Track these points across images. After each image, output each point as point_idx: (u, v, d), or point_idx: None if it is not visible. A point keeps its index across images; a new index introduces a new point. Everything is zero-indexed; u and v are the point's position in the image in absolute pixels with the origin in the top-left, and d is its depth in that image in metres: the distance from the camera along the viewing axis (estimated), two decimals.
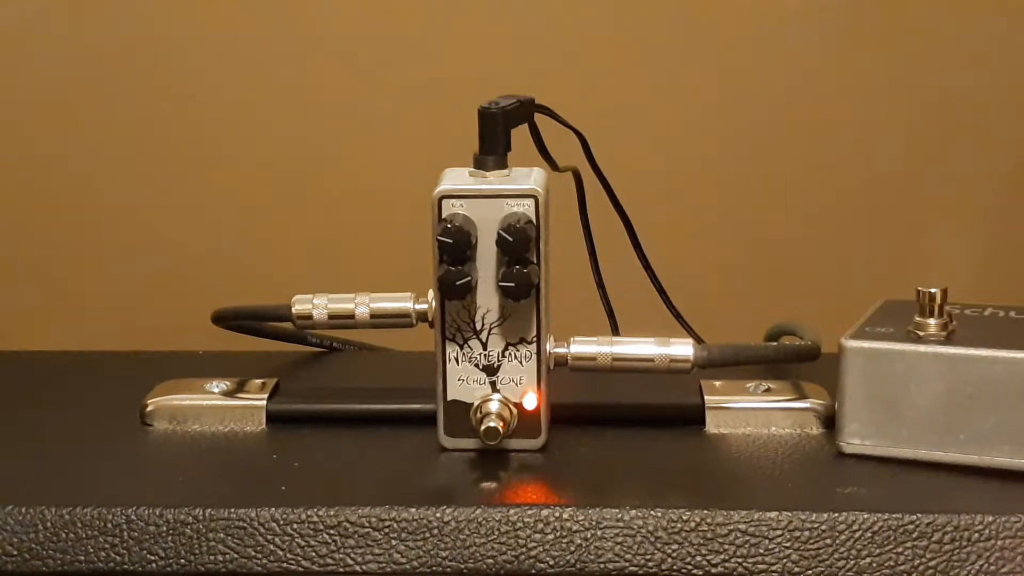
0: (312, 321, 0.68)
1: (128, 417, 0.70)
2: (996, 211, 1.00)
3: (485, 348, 0.65)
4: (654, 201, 0.95)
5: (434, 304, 0.65)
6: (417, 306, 0.66)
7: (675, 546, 0.60)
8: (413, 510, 0.61)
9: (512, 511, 0.61)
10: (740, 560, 0.60)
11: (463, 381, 0.65)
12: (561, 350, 0.66)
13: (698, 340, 0.71)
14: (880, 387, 0.64)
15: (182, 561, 0.60)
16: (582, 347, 0.66)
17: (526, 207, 0.63)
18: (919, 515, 0.60)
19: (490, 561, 0.60)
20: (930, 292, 0.65)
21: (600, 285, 0.74)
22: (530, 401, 0.65)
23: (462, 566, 0.60)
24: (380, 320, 0.67)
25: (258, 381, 0.72)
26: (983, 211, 1.00)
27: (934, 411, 0.63)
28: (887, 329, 0.65)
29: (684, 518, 0.60)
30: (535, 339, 0.65)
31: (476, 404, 0.65)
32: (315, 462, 0.66)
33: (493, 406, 0.65)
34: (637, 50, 0.98)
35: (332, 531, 0.60)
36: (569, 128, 0.70)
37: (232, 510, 0.61)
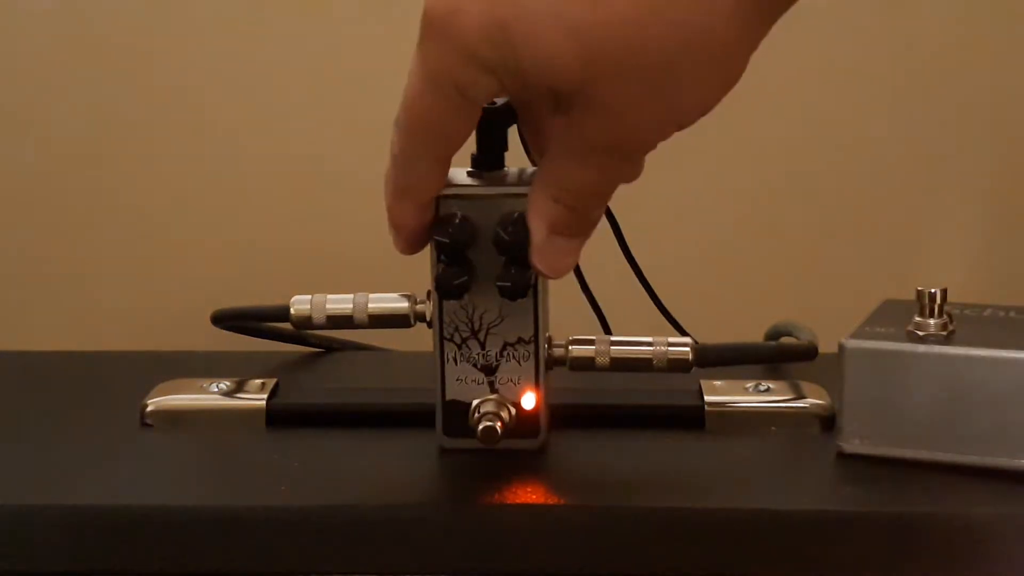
0: (311, 322, 0.68)
1: (128, 417, 0.70)
2: (996, 211, 1.00)
3: (483, 348, 0.65)
4: (653, 201, 0.95)
5: (432, 304, 0.65)
6: (415, 306, 0.66)
7: (675, 546, 0.60)
8: (413, 510, 0.61)
9: (512, 511, 0.61)
10: (739, 560, 0.60)
11: (461, 381, 0.65)
12: (559, 350, 0.66)
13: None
14: (880, 387, 0.64)
15: (182, 561, 0.60)
16: (580, 347, 0.66)
17: (524, 207, 0.63)
18: (919, 515, 0.60)
19: (490, 561, 0.60)
20: (930, 292, 0.65)
21: (584, 287, 0.74)
22: (528, 401, 0.65)
23: (462, 566, 0.60)
24: (378, 320, 0.67)
25: (258, 381, 0.72)
26: (983, 211, 1.00)
27: (934, 411, 0.63)
28: (887, 329, 0.65)
29: (684, 518, 0.60)
30: (533, 339, 0.65)
31: (474, 404, 0.65)
32: (315, 462, 0.66)
33: (491, 406, 0.64)
34: None
35: (332, 531, 0.60)
36: None
37: (232, 510, 0.61)
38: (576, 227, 0.59)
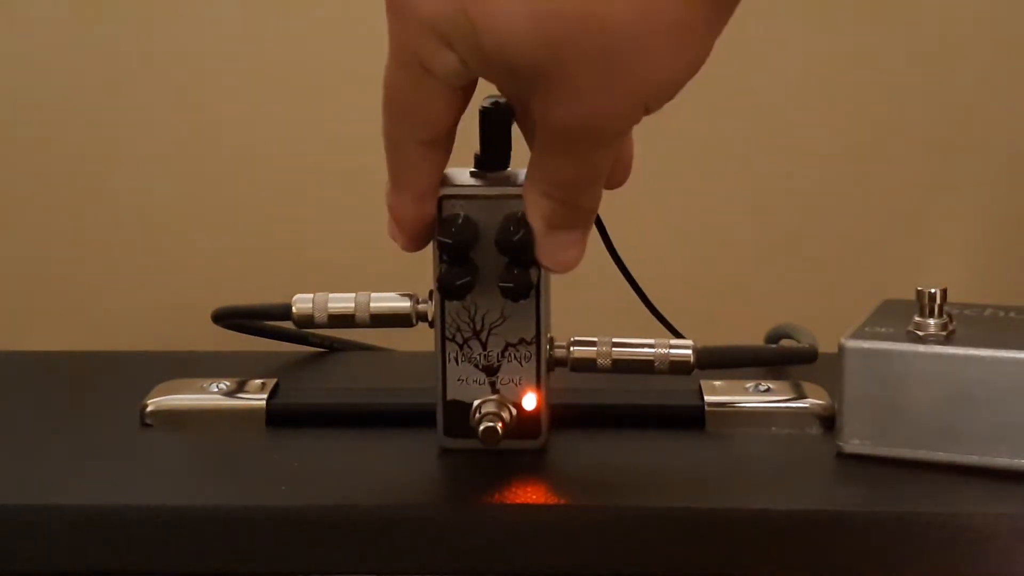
0: (312, 320, 0.68)
1: (128, 417, 0.70)
2: (996, 211, 1.00)
3: (485, 348, 0.65)
4: (652, 202, 0.95)
5: (434, 304, 0.65)
6: (417, 306, 0.66)
7: (675, 546, 0.60)
8: (413, 510, 0.61)
9: (512, 511, 0.61)
10: (740, 560, 0.60)
11: (463, 381, 0.65)
12: (561, 351, 0.66)
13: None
14: (880, 387, 0.64)
15: (182, 561, 0.60)
16: (582, 347, 0.66)
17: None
18: (919, 515, 0.60)
19: (490, 561, 0.60)
20: (930, 292, 0.65)
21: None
22: (529, 401, 0.65)
23: (462, 566, 0.60)
24: (380, 320, 0.67)
25: (258, 381, 0.72)
26: (983, 211, 1.00)
27: (934, 411, 0.63)
28: (887, 329, 0.65)
29: (684, 518, 0.60)
30: (535, 339, 0.65)
31: (476, 404, 0.65)
32: (315, 462, 0.66)
33: (492, 406, 0.64)
34: None
35: (332, 531, 0.60)
36: None
37: (232, 510, 0.61)
38: (571, 219, 0.59)
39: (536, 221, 0.59)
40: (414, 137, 0.59)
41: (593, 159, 0.57)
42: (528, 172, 0.59)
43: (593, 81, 0.53)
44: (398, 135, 0.59)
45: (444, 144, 0.59)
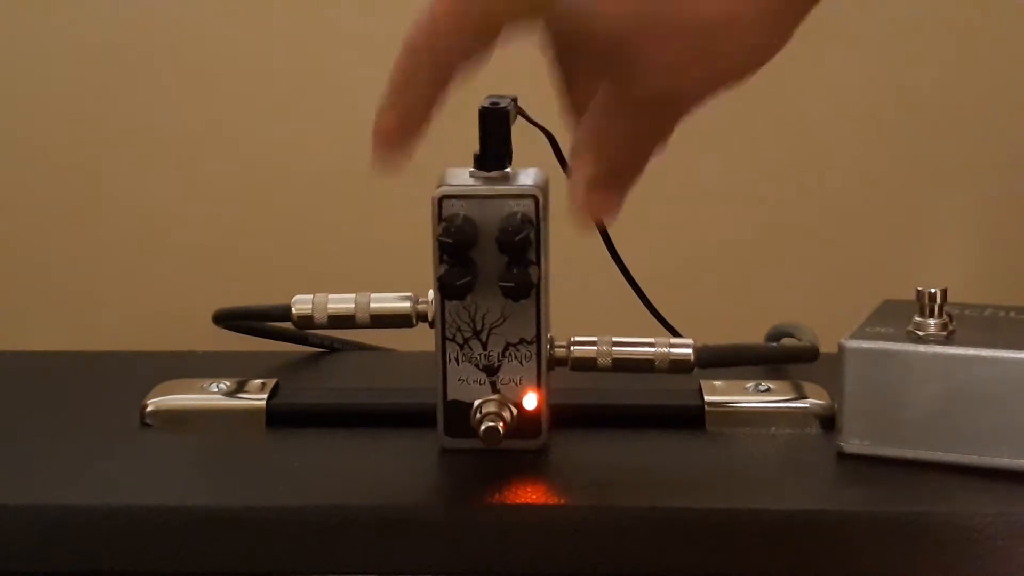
0: (312, 321, 0.68)
1: (128, 417, 0.70)
2: (996, 211, 1.00)
3: (485, 348, 0.65)
4: (652, 201, 0.95)
5: (434, 304, 0.65)
6: (417, 306, 0.66)
7: (675, 546, 0.60)
8: (413, 510, 0.61)
9: (512, 511, 0.61)
10: (740, 560, 0.60)
11: (463, 381, 0.65)
12: (561, 350, 0.66)
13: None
14: (880, 387, 0.64)
15: (182, 561, 0.60)
16: (582, 347, 0.66)
17: (526, 207, 0.63)
18: (919, 515, 0.60)
19: (490, 561, 0.60)
20: (930, 292, 0.65)
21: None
22: (530, 401, 0.65)
23: (462, 566, 0.60)
24: (380, 320, 0.67)
25: (258, 381, 0.72)
26: (983, 211, 1.00)
27: (934, 411, 0.63)
28: (887, 329, 0.65)
29: (684, 518, 0.60)
30: (535, 339, 0.65)
31: (476, 404, 0.65)
32: (315, 462, 0.66)
33: (493, 406, 0.64)
34: None
35: (332, 531, 0.60)
36: (538, 127, 0.69)
37: (232, 510, 0.61)
38: (616, 180, 0.58)
39: (579, 177, 0.58)
40: (431, 76, 0.57)
41: (661, 127, 0.57)
42: (581, 130, 0.58)
43: (677, 61, 0.54)
44: (413, 67, 0.56)
45: (453, 86, 0.58)
